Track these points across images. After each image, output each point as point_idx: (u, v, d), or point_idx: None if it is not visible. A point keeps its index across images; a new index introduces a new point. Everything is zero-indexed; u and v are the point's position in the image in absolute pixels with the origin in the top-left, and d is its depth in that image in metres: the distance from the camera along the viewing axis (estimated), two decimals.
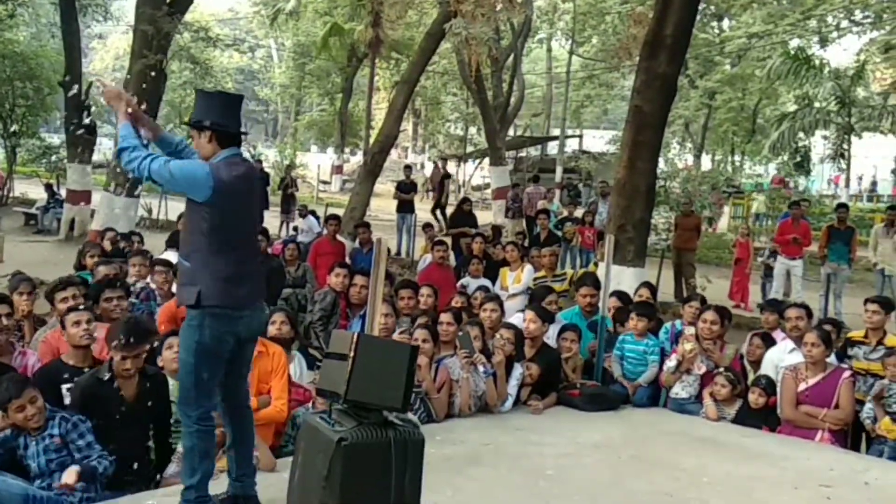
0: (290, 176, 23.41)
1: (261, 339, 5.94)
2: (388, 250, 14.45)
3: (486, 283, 10.71)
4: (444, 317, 7.40)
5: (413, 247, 18.80)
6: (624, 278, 10.46)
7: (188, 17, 19.31)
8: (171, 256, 9.54)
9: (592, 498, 5.38)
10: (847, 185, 31.95)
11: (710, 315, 7.80)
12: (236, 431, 4.72)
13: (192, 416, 4.49)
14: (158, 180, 4.48)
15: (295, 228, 18.30)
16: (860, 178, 47.57)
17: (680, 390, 7.64)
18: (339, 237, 13.01)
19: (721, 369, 7.54)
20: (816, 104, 31.19)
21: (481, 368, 7.00)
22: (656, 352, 7.86)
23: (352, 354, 3.88)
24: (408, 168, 22.75)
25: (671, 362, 7.60)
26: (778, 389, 7.16)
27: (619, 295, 8.88)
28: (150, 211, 21.86)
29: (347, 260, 11.82)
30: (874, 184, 46.83)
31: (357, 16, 31.80)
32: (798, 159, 32.91)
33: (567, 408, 7.36)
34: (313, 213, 18.07)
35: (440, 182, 24.18)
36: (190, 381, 4.48)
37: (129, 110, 4.61)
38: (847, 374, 7.00)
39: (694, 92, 36.34)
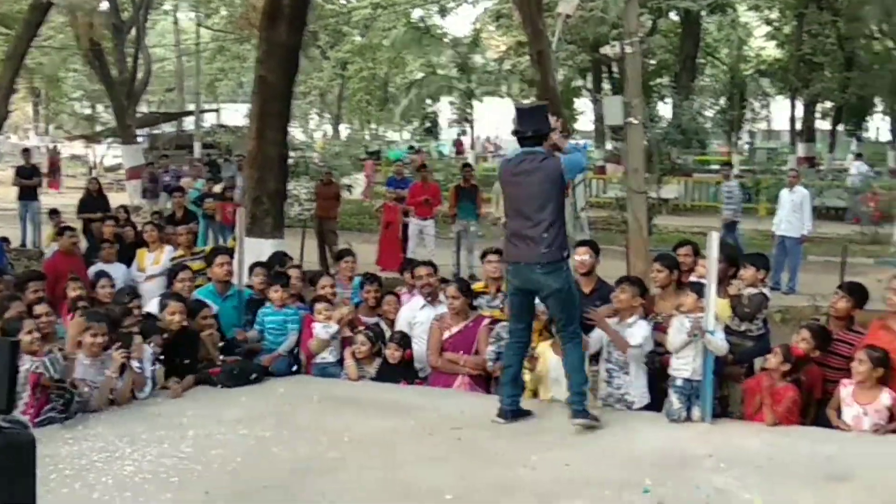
0: None
1: None
2: (7, 241, 13.36)
3: (113, 267, 10.17)
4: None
5: (39, 236, 17.46)
6: (264, 250, 10.40)
7: None
8: None
9: (234, 473, 5.33)
10: (472, 146, 34.15)
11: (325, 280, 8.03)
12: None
13: None
14: None
15: None
16: (487, 139, 50.99)
17: (326, 354, 7.75)
18: None
19: (360, 328, 7.76)
20: (440, 71, 33.00)
21: (135, 364, 6.72)
22: (296, 320, 7.92)
23: None
24: (26, 151, 20.91)
25: (332, 328, 7.67)
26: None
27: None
28: None
29: None
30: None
31: None
32: (428, 125, 34.66)
33: (208, 387, 7.19)
34: None
35: None
36: None
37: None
38: (486, 321, 7.43)
39: (326, 63, 36.89)
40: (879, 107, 45.02)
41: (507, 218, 6.47)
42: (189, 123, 38.55)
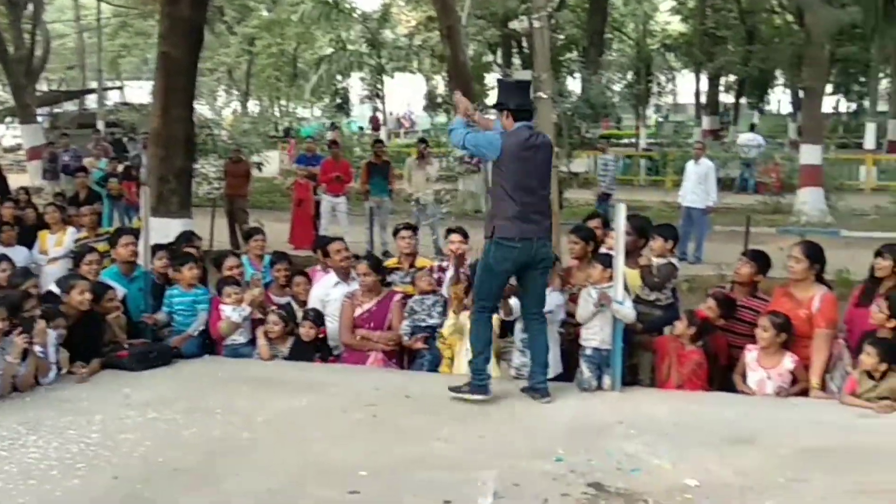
0: None
1: None
2: None
3: (14, 251, 9.83)
4: None
5: None
6: (171, 230, 10.22)
7: None
8: None
9: (144, 458, 5.20)
10: (385, 122, 33.97)
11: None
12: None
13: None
14: (465, 147, 6.51)
15: None
16: (399, 115, 50.67)
17: (238, 336, 7.64)
18: None
19: (272, 308, 7.68)
20: (350, 47, 32.70)
21: (38, 349, 6.51)
22: (205, 300, 7.78)
23: None
24: None
25: (244, 311, 7.55)
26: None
27: None
28: None
29: None
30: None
31: None
32: (339, 101, 34.33)
33: (116, 370, 7.01)
34: None
35: None
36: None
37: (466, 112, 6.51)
38: (398, 297, 7.47)
39: (233, 38, 36.18)
40: (780, 80, 46.31)
41: (511, 193, 6.07)
42: (92, 101, 37.40)
